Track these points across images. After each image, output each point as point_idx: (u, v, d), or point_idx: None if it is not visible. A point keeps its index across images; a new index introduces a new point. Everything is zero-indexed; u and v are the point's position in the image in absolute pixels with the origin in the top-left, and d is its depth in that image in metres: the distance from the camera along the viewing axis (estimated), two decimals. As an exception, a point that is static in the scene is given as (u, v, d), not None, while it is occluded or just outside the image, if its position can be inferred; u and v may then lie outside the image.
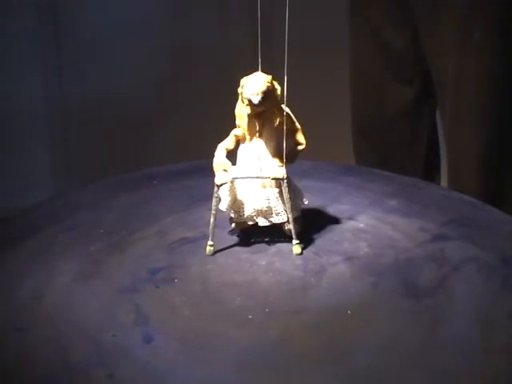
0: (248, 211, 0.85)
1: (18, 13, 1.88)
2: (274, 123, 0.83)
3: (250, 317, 0.75)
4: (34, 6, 1.88)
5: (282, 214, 0.85)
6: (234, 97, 0.83)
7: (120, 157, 1.91)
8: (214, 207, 0.84)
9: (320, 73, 1.89)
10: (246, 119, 0.83)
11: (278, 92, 0.82)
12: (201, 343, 0.72)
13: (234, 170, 0.84)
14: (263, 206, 0.84)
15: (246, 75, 0.81)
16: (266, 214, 0.85)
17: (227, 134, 0.85)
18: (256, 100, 0.79)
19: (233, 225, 0.87)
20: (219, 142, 0.86)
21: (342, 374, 0.68)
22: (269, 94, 0.80)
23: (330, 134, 1.79)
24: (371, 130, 1.37)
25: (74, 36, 1.91)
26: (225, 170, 0.83)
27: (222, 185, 0.83)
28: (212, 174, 0.84)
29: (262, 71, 0.82)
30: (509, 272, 0.81)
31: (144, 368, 0.68)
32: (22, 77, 1.92)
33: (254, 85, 0.80)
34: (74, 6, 1.91)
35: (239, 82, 0.81)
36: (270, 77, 0.81)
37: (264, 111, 0.82)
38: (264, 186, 0.84)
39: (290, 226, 0.84)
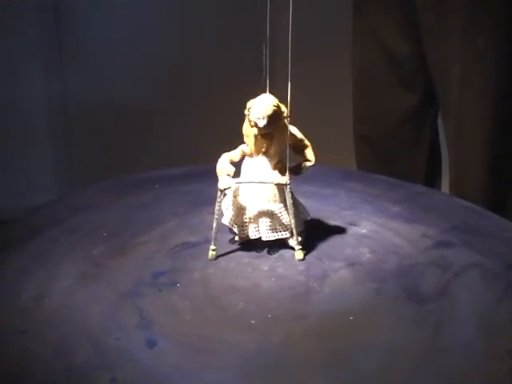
0: (251, 226, 0.85)
1: (20, 13, 1.88)
2: (280, 142, 0.83)
3: (253, 322, 0.75)
4: (36, 6, 1.88)
5: (285, 229, 0.85)
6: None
7: (121, 159, 1.91)
8: (216, 212, 0.84)
9: (322, 78, 1.89)
10: (252, 139, 0.83)
11: (285, 113, 0.82)
12: (203, 347, 0.72)
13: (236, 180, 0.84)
14: (267, 221, 0.84)
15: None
16: (270, 228, 0.85)
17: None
18: (261, 124, 0.80)
19: (236, 237, 0.87)
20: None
21: (345, 380, 0.68)
22: (275, 117, 0.81)
23: (332, 140, 1.79)
24: (373, 135, 1.37)
25: (76, 37, 1.91)
26: (228, 175, 0.83)
27: (225, 189, 0.83)
28: (214, 179, 0.84)
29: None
30: (512, 278, 0.82)
31: (146, 372, 0.68)
32: (24, 77, 1.91)
33: (259, 109, 0.80)
34: (76, 7, 1.91)
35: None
36: (275, 100, 0.81)
37: (271, 131, 0.82)
38: (268, 201, 0.84)
39: (293, 234, 0.84)
